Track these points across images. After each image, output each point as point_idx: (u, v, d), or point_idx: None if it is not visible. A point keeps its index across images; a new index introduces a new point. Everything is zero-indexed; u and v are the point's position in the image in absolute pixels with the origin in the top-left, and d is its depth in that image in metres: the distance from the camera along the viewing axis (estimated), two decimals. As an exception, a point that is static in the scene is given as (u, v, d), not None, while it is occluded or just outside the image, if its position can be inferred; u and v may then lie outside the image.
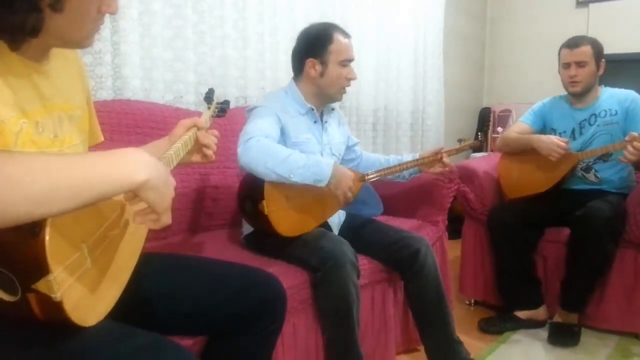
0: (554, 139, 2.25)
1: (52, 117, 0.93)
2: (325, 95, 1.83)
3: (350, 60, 1.80)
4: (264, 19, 2.49)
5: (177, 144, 1.11)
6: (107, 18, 1.88)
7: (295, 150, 1.61)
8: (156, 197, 0.81)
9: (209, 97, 1.42)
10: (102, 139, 1.20)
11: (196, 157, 1.27)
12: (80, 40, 0.90)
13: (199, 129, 1.21)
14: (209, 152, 1.25)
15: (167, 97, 2.14)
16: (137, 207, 0.83)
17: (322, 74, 1.78)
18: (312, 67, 1.77)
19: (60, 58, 0.98)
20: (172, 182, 0.88)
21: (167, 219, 0.86)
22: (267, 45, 2.52)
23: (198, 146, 1.24)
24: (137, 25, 1.98)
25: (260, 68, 2.50)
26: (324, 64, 1.77)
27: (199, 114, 1.36)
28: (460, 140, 2.06)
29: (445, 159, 1.89)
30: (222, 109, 1.44)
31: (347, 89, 2.95)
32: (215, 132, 1.27)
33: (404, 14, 3.35)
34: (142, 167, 0.79)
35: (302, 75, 1.82)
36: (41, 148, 0.89)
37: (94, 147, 1.16)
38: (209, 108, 1.38)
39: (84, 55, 1.88)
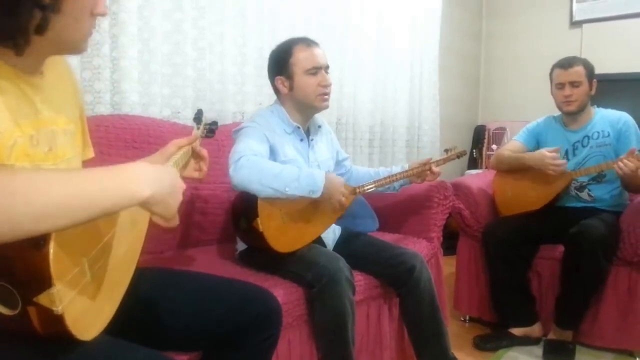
0: (544, 153, 2.27)
1: (46, 130, 0.93)
2: (306, 107, 1.83)
3: (318, 67, 1.78)
4: (263, 36, 2.52)
5: (170, 163, 1.13)
6: (107, 34, 1.91)
7: (286, 165, 1.64)
8: (162, 209, 0.84)
9: (198, 117, 1.45)
10: (92, 154, 1.20)
11: (187, 172, 1.31)
12: (77, 43, 0.90)
13: (193, 142, 1.26)
14: (205, 168, 1.31)
15: (165, 113, 2.16)
16: None
17: (291, 88, 1.80)
18: (282, 84, 1.81)
19: (54, 72, 0.98)
20: (180, 186, 0.91)
21: (174, 222, 0.93)
22: (266, 61, 2.52)
23: (191, 163, 1.28)
24: (136, 41, 1.99)
25: (258, 84, 2.52)
26: (290, 78, 1.79)
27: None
28: (447, 150, 2.09)
29: (435, 168, 1.93)
30: (211, 130, 1.48)
31: (344, 104, 3.00)
32: (205, 151, 1.32)
33: (400, 31, 3.39)
34: (146, 183, 0.79)
35: (280, 95, 1.85)
36: (35, 161, 0.89)
37: (86, 163, 1.17)
38: (197, 128, 1.41)
39: (82, 70, 1.90)
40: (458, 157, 2.10)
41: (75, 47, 0.91)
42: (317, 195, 1.60)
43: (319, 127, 1.96)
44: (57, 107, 0.98)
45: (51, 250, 0.70)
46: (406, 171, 1.94)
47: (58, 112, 0.98)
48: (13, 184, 0.66)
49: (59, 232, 0.72)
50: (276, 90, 1.86)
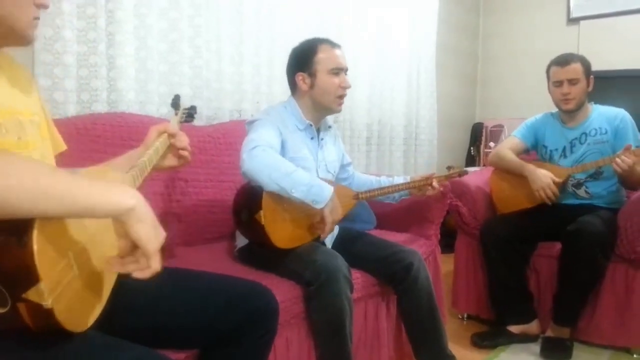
0: (549, 176, 2.24)
1: (13, 120, 0.94)
2: (322, 107, 1.84)
3: (341, 69, 1.81)
4: (260, 34, 2.51)
5: (150, 151, 1.15)
6: (103, 32, 1.91)
7: (299, 167, 1.63)
8: (146, 232, 0.80)
9: (175, 103, 1.45)
10: (65, 147, 1.20)
11: (170, 161, 1.31)
12: (20, 30, 0.92)
13: (171, 135, 1.24)
14: (185, 153, 1.29)
15: (162, 111, 2.15)
16: (122, 245, 0.82)
17: (312, 86, 1.81)
18: (302, 81, 1.81)
19: (8, 69, 0.99)
20: (163, 232, 0.86)
21: (156, 264, 0.82)
22: (263, 59, 2.54)
23: (171, 150, 1.27)
24: (132, 39, 1.99)
25: (255, 82, 2.53)
26: (312, 75, 1.80)
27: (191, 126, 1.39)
28: (449, 168, 2.11)
29: (435, 184, 1.94)
30: (190, 114, 1.48)
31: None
32: (184, 135, 1.31)
33: (398, 29, 3.40)
34: (132, 195, 0.80)
35: (297, 92, 1.85)
36: (8, 150, 0.90)
37: (59, 156, 1.17)
38: (176, 114, 1.41)
39: (79, 68, 1.90)
40: (460, 175, 2.12)
41: (20, 35, 0.93)
42: (318, 206, 1.59)
43: (329, 127, 1.98)
44: (17, 98, 0.99)
45: (35, 247, 0.71)
46: (408, 182, 1.95)
47: (20, 103, 0.99)
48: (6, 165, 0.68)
49: (42, 226, 0.72)
50: (293, 87, 1.86)
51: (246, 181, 1.69)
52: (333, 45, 1.84)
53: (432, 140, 3.81)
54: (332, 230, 1.66)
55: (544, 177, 2.24)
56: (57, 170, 0.75)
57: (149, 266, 0.82)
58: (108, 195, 0.78)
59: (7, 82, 0.97)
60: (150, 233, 0.81)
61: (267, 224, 1.60)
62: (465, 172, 2.14)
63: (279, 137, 1.72)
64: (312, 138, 1.87)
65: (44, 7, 0.96)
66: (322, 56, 1.80)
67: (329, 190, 1.61)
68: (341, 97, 1.83)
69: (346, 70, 1.85)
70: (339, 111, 1.89)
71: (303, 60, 1.81)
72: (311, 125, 1.85)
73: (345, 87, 1.83)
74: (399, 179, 2.00)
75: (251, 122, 1.78)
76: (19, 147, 0.93)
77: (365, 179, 2.11)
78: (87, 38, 1.90)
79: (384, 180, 2.04)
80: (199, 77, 2.27)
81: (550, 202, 2.25)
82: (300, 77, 1.81)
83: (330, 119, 1.99)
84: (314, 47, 1.81)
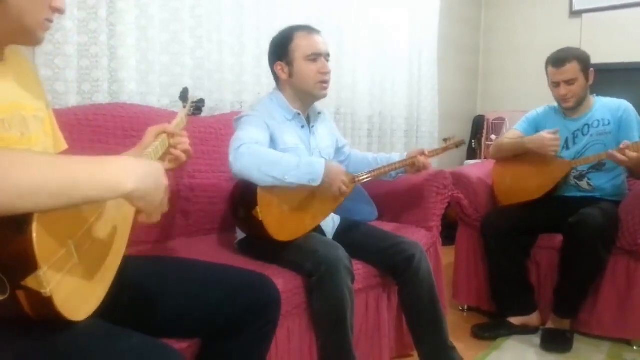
0: (543, 134, 2.26)
1: (17, 116, 0.94)
2: (304, 94, 1.83)
3: (318, 54, 1.79)
4: (261, 25, 2.50)
5: (149, 150, 1.12)
6: (104, 22, 1.90)
7: (286, 153, 1.63)
8: (145, 204, 0.84)
9: (184, 96, 1.44)
10: (66, 146, 1.20)
11: (167, 164, 1.27)
12: (32, 29, 0.92)
13: (170, 136, 1.22)
14: (178, 153, 1.25)
15: (163, 101, 2.15)
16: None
17: (291, 74, 1.80)
18: (282, 70, 1.81)
19: (15, 64, 0.99)
20: (164, 183, 0.90)
21: (156, 218, 0.94)
22: (264, 51, 2.51)
23: (169, 152, 1.25)
24: (134, 29, 1.98)
25: (256, 73, 2.52)
26: (289, 64, 1.79)
27: (188, 118, 1.38)
28: (446, 140, 2.08)
29: (425, 156, 1.92)
30: (198, 107, 1.47)
31: (342, 94, 2.99)
32: (185, 132, 1.29)
33: (399, 21, 3.38)
34: (131, 176, 0.80)
35: (279, 82, 1.85)
36: (10, 145, 0.90)
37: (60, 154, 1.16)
38: (184, 107, 1.40)
39: (80, 59, 1.89)
40: (457, 146, 2.09)
41: (30, 35, 0.93)
42: (316, 183, 1.60)
43: (319, 113, 1.96)
44: (23, 94, 0.99)
45: (34, 234, 0.71)
46: (404, 160, 1.94)
47: (25, 98, 0.99)
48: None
49: (42, 214, 0.72)
50: (276, 77, 1.85)
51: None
52: (310, 31, 1.82)
53: (433, 133, 3.80)
54: (344, 192, 1.68)
55: (543, 136, 2.26)
56: (51, 162, 0.74)
57: (150, 218, 0.94)
58: (107, 182, 0.77)
59: (13, 77, 0.97)
60: (149, 203, 0.85)
61: (264, 218, 1.59)
62: (463, 143, 2.11)
63: (266, 132, 1.71)
64: (302, 127, 1.86)
65: (59, 12, 0.95)
66: (298, 43, 1.78)
67: (319, 163, 1.60)
68: (323, 82, 1.81)
69: (327, 55, 1.82)
70: (323, 96, 1.85)
71: (280, 49, 1.81)
72: (299, 114, 1.84)
73: (325, 73, 1.80)
74: (396, 156, 1.99)
75: (238, 119, 1.77)
76: (21, 143, 0.93)
77: (362, 158, 2.10)
78: (88, 28, 1.89)
79: (381, 158, 2.03)
80: (200, 68, 2.26)
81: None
82: (279, 67, 1.81)
83: (318, 105, 1.96)
84: (290, 35, 1.80)
